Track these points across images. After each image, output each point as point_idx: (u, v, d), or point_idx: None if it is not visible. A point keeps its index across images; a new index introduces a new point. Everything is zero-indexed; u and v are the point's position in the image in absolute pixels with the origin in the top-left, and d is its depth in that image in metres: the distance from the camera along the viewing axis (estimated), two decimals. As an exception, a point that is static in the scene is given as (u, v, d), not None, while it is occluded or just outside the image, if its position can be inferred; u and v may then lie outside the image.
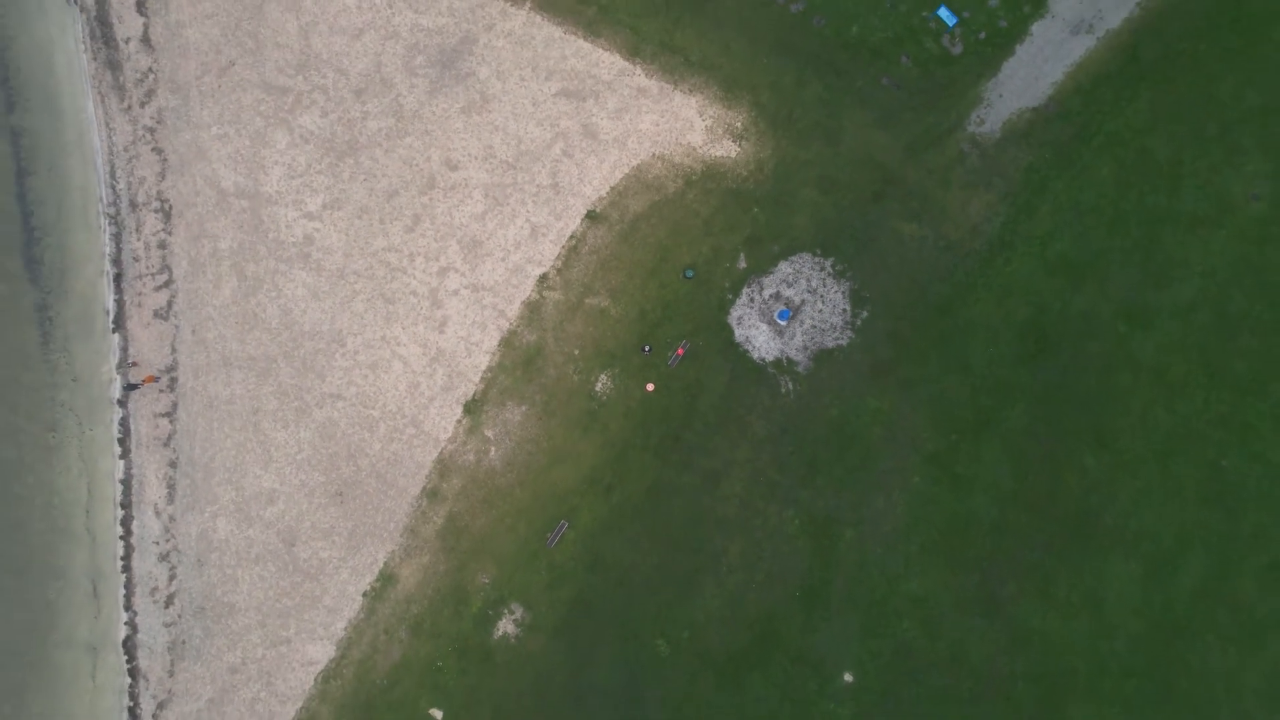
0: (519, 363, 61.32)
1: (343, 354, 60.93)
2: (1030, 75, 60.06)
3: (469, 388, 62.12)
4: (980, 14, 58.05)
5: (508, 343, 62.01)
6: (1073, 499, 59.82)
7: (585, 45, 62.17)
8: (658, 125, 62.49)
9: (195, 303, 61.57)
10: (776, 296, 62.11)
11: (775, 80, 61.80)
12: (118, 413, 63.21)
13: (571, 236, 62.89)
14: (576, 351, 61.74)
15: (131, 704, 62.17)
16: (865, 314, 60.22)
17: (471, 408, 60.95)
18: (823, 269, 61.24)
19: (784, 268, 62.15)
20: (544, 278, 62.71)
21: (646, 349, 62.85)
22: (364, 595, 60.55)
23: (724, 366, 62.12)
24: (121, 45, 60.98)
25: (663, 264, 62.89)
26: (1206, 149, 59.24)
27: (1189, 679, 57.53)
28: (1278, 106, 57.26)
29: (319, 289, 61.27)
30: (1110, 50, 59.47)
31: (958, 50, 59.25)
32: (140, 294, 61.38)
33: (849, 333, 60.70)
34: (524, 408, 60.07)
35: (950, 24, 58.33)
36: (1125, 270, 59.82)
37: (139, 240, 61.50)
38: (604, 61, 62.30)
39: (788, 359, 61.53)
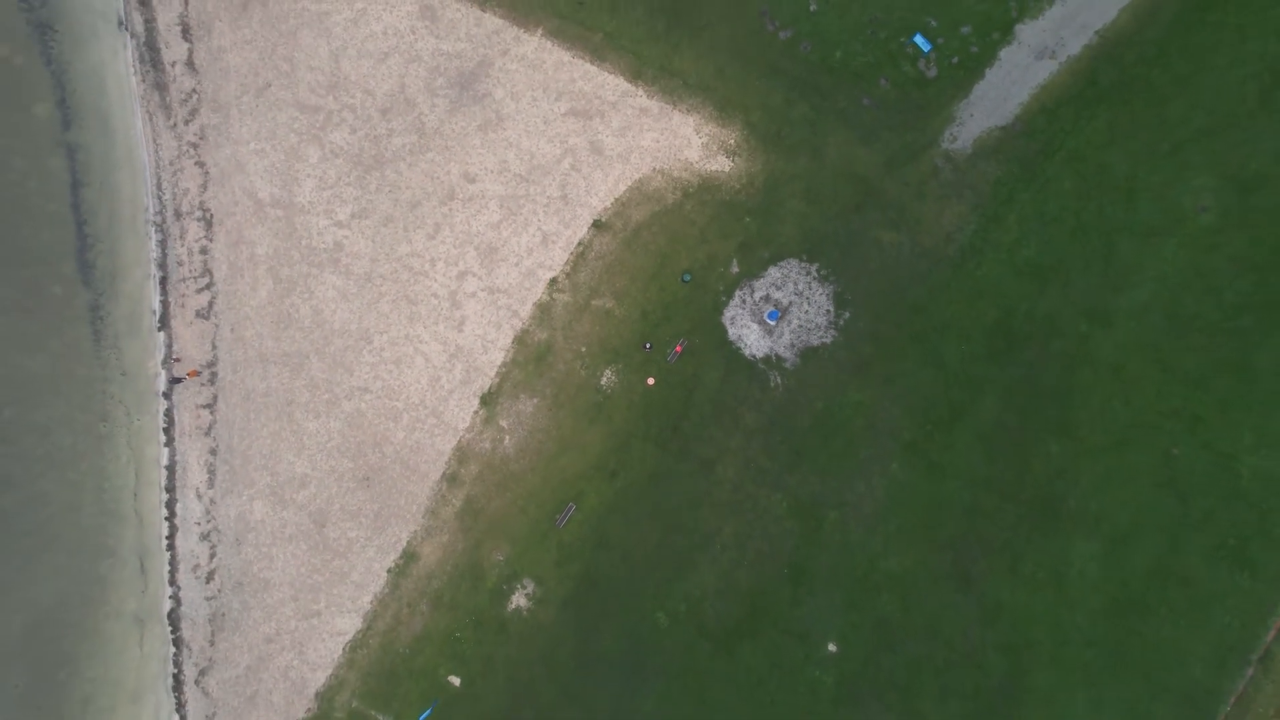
0: (531, 359, 63.09)
1: (369, 350, 62.92)
2: (999, 97, 61.76)
3: (485, 382, 64.00)
4: (953, 40, 60.16)
5: (521, 341, 63.78)
6: (1038, 484, 62.04)
7: (592, 69, 63.53)
8: (658, 142, 63.76)
9: (234, 303, 63.80)
10: (766, 299, 63.34)
11: (765, 101, 63.13)
12: (163, 404, 65.25)
13: (579, 244, 64.21)
14: (584, 349, 63.18)
15: (175, 671, 64.26)
16: (848, 315, 61.95)
17: (487, 400, 62.96)
18: (809, 273, 62.83)
19: (773, 272, 63.58)
20: (554, 281, 64.13)
21: (647, 346, 63.92)
22: (388, 571, 62.96)
23: (718, 363, 63.54)
24: (168, 68, 63.37)
25: (662, 269, 64.25)
26: (1159, 165, 61.32)
27: (1143, 649, 60.57)
28: (1223, 127, 59.40)
29: (347, 291, 63.11)
30: (1071, 75, 61.44)
31: (932, 74, 60.99)
32: (184, 295, 63.84)
33: (833, 332, 62.40)
34: (535, 400, 62.42)
35: (925, 50, 60.22)
36: (1086, 275, 61.79)
37: (183, 246, 63.83)
38: (609, 84, 63.70)
39: (777, 356, 63.04)
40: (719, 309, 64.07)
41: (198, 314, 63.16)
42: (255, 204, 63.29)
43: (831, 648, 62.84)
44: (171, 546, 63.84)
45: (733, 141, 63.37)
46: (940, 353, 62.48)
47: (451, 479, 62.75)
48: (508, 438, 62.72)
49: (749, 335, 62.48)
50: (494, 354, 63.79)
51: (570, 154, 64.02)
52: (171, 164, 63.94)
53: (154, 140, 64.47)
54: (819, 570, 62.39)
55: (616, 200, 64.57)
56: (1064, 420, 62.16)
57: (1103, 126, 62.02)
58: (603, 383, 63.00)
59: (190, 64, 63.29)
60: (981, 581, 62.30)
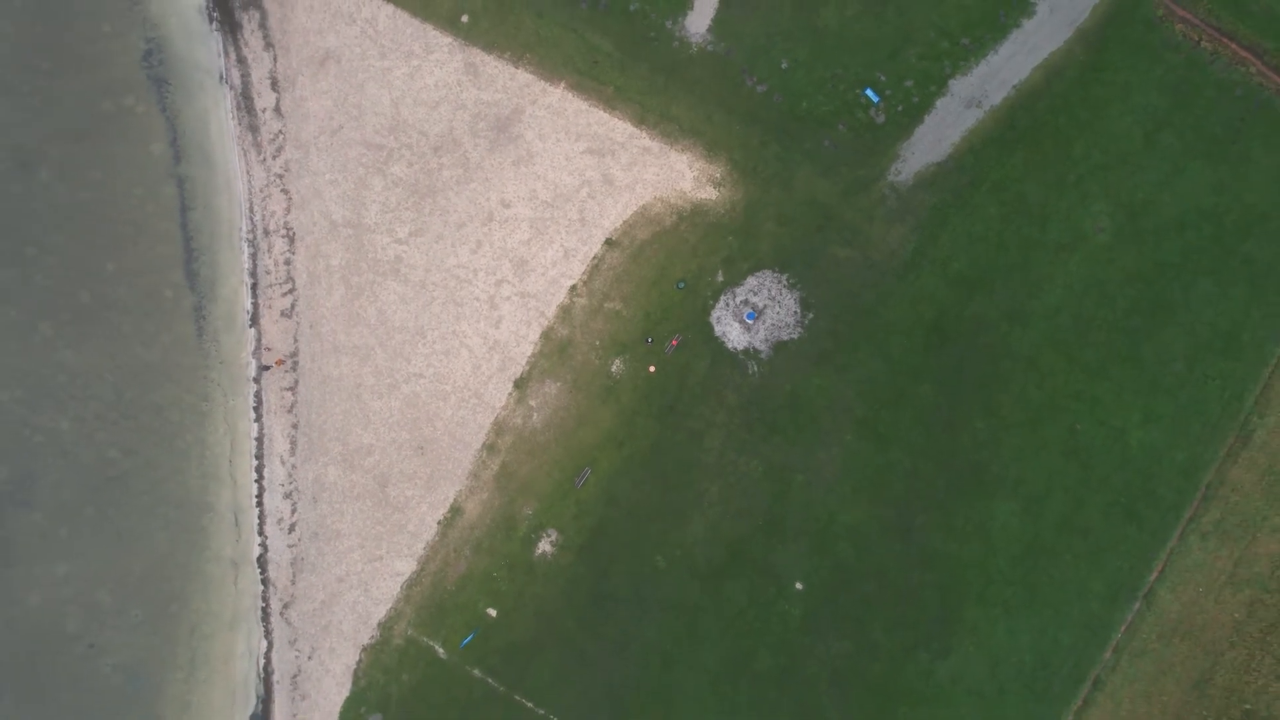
0: (554, 351, 69.85)
1: (423, 344, 70.17)
2: (935, 139, 67.61)
3: (517, 369, 69.90)
4: (898, 93, 67.21)
5: (546, 336, 69.81)
6: (966, 454, 68.12)
7: (605, 115, 68.83)
8: (658, 175, 69.09)
9: (312, 305, 71.01)
10: (745, 302, 68.74)
11: (745, 142, 68.31)
12: (253, 387, 71.97)
13: (594, 257, 69.61)
14: (597, 343, 69.69)
15: (264, 605, 71.59)
16: (811, 315, 68.51)
17: (519, 384, 69.76)
18: (780, 282, 68.72)
19: (751, 281, 68.84)
20: (574, 288, 69.79)
21: (649, 341, 69.41)
22: (438, 523, 70.15)
23: (706, 354, 69.16)
24: (259, 114, 70.72)
25: (661, 278, 69.38)
26: (1065, 194, 67.18)
27: (1051, 587, 67.43)
28: (1115, 163, 66.54)
29: (405, 295, 70.14)
30: (994, 120, 67.23)
31: (881, 120, 67.51)
32: (271, 298, 71.41)
33: (799, 329, 68.64)
34: (558, 384, 69.72)
35: (875, 101, 66.95)
36: (1006, 284, 67.53)
37: (270, 258, 71.18)
38: (618, 128, 68.93)
39: (754, 348, 68.94)
40: (707, 311, 69.39)
41: (282, 313, 71.15)
42: (330, 224, 70.60)
43: (798, 586, 68.66)
44: (260, 504, 71.52)
45: (719, 175, 68.79)
46: (887, 347, 68.44)
47: (490, 448, 70.02)
48: (535, 414, 70.00)
49: (731, 332, 68.96)
50: (525, 346, 69.84)
51: (587, 185, 69.52)
52: (261, 191, 71.15)
53: (247, 172, 71.06)
54: (788, 523, 68.69)
55: (624, 222, 69.57)
56: (988, 402, 67.92)
57: (1019, 163, 67.48)
58: (613, 370, 69.59)
59: (278, 110, 70.61)
60: (920, 533, 68.38)
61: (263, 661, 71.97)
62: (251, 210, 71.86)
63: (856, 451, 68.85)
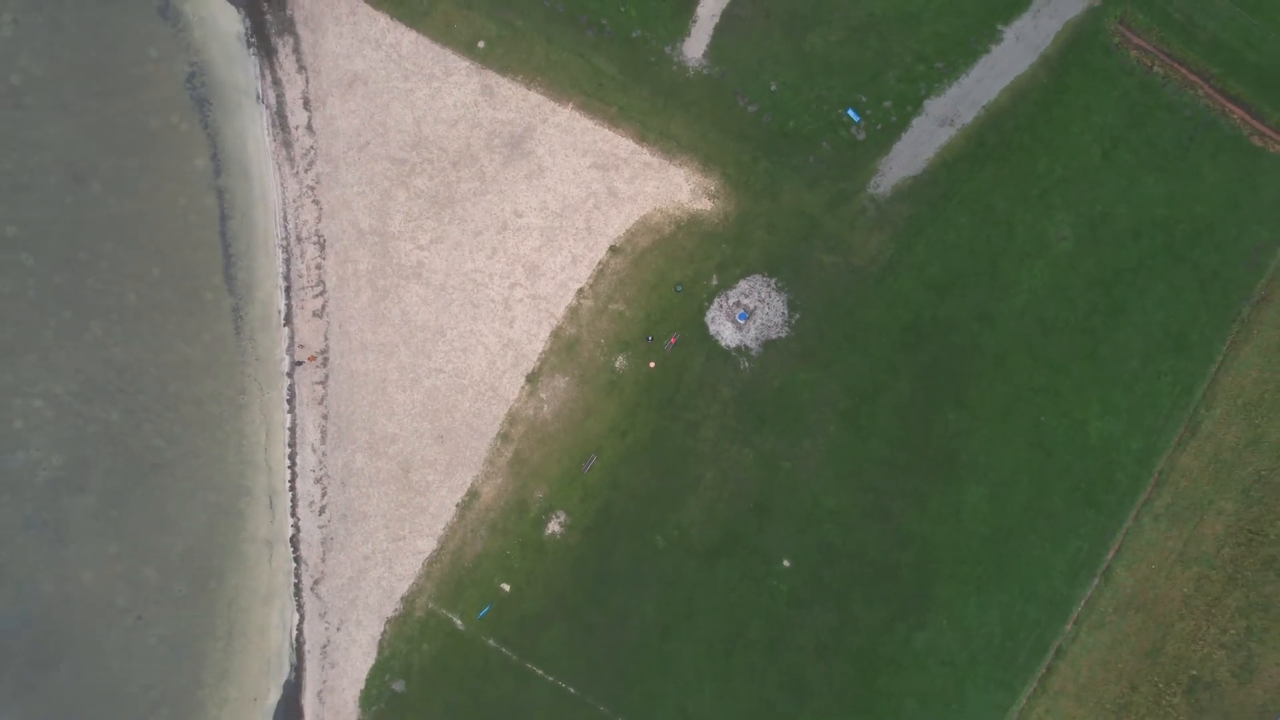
0: (563, 348, 72.91)
1: (443, 342, 73.33)
2: (911, 154, 71.01)
3: (529, 365, 72.84)
4: (877, 113, 70.71)
5: (556, 335, 72.78)
6: (940, 443, 71.52)
7: (609, 133, 72.00)
8: (658, 188, 71.99)
9: (341, 306, 74.07)
10: (737, 304, 71.64)
11: (737, 158, 71.44)
12: (287, 381, 74.91)
13: (599, 263, 72.53)
14: (602, 341, 72.77)
15: (296, 581, 74.79)
16: (798, 316, 71.74)
17: (531, 378, 72.79)
18: (769, 285, 71.72)
19: (743, 284, 71.80)
20: (581, 290, 72.70)
21: (649, 339, 72.20)
22: (457, 506, 73.29)
23: (702, 351, 72.11)
24: (293, 130, 73.77)
25: (661, 281, 72.33)
26: (1030, 205, 70.87)
27: (1018, 565, 70.82)
28: (1076, 177, 70.36)
29: (427, 297, 73.29)
30: (965, 138, 70.85)
31: (861, 137, 70.97)
32: (303, 300, 74.42)
33: (787, 329, 71.72)
34: (566, 378, 72.81)
35: (856, 120, 70.28)
36: (976, 287, 71.30)
37: (302, 263, 74.12)
38: (621, 144, 71.97)
39: (745, 346, 71.96)
40: (703, 312, 72.44)
41: (314, 314, 74.28)
42: (357, 232, 73.71)
43: (786, 564, 71.40)
44: (293, 488, 74.65)
45: (713, 187, 71.92)
46: (866, 345, 71.50)
47: (504, 437, 73.10)
48: (545, 406, 73.09)
49: (724, 331, 72.14)
50: (536, 344, 72.90)
51: (593, 196, 72.56)
52: (294, 202, 74.14)
53: (282, 184, 73.90)
54: (776, 506, 71.73)
55: (627, 231, 72.48)
56: (959, 395, 71.34)
57: (988, 177, 70.94)
58: (616, 366, 72.64)
59: (309, 128, 73.79)
60: (898, 516, 71.50)
61: (295, 633, 75.73)
62: (285, 219, 75.11)
63: (839, 441, 72.34)
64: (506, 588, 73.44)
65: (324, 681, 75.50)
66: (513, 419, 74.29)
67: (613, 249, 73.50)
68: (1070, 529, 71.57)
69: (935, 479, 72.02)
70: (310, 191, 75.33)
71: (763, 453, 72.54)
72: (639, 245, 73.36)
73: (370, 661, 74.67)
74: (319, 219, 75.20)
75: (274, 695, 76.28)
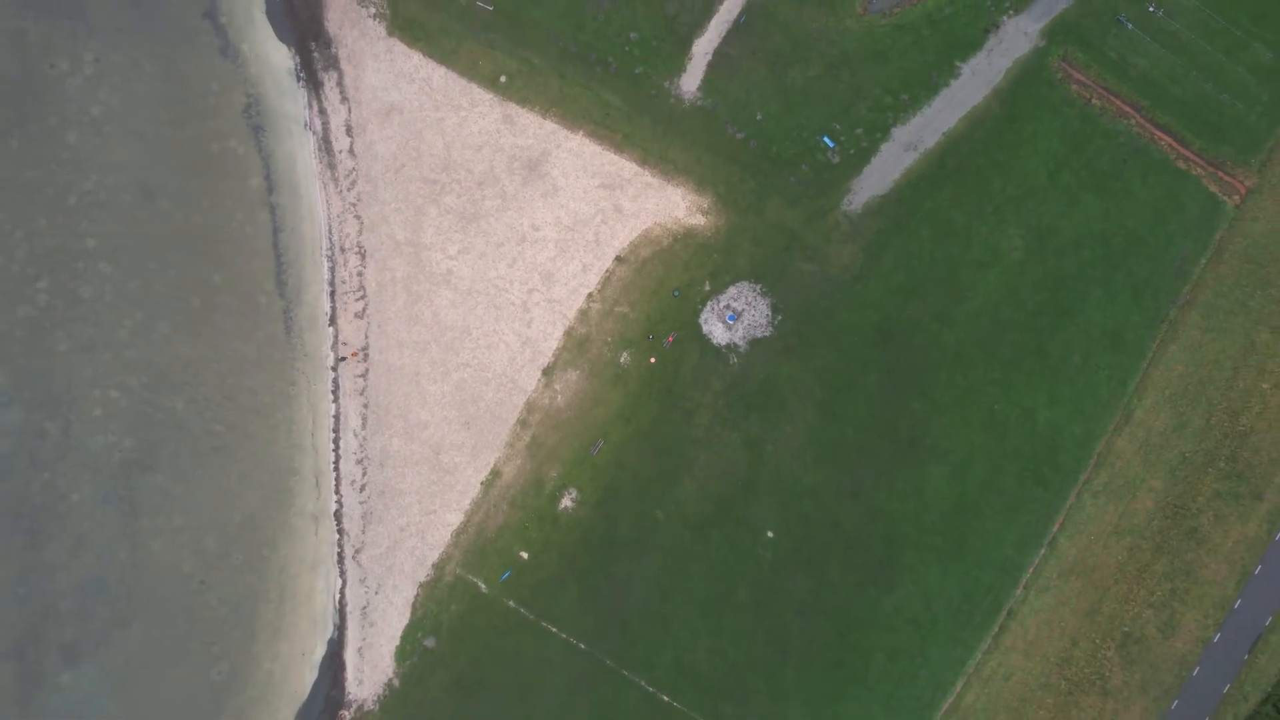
0: (575, 345, 79.31)
1: (469, 340, 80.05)
2: (880, 176, 77.99)
3: (545, 360, 79.30)
4: (850, 139, 77.89)
5: (569, 334, 79.27)
6: (905, 429, 77.59)
7: (615, 157, 79.08)
8: (658, 205, 78.71)
9: (380, 308, 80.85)
10: (727, 307, 78.06)
11: (727, 179, 78.29)
12: (331, 375, 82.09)
13: (606, 271, 79.10)
14: (609, 339, 79.01)
15: (339, 551, 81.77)
16: (780, 318, 78.22)
17: (547, 372, 79.30)
18: (755, 291, 78.32)
19: (732, 290, 78.19)
20: (590, 295, 79.29)
21: (651, 338, 78.22)
22: (481, 484, 79.80)
23: (696, 348, 78.47)
24: (337, 154, 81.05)
25: (661, 287, 78.60)
26: (985, 220, 77.56)
27: (975, 538, 76.94)
28: (1026, 195, 77.28)
29: (455, 301, 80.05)
30: (927, 161, 77.87)
31: (836, 161, 78.11)
32: (346, 303, 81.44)
33: (771, 328, 78.05)
34: (577, 372, 79.22)
35: (831, 146, 77.61)
36: (937, 292, 77.63)
37: (345, 271, 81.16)
38: (626, 167, 78.88)
39: (734, 344, 78.26)
40: (697, 313, 78.76)
41: (355, 315, 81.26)
42: (394, 243, 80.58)
43: (770, 534, 77.52)
44: (337, 469, 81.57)
45: (706, 205, 78.56)
46: (841, 343, 77.87)
47: (523, 423, 79.46)
48: (559, 396, 79.28)
49: (716, 331, 78.62)
50: (551, 342, 79.46)
51: (601, 213, 79.33)
52: (338, 217, 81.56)
53: (327, 201, 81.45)
54: (762, 484, 77.89)
55: (631, 243, 79.12)
56: (922, 387, 77.78)
57: (948, 195, 77.83)
58: (621, 361, 78.91)
59: (351, 151, 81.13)
60: (868, 493, 77.75)
61: (338, 596, 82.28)
62: (330, 232, 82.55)
63: (817, 427, 78.94)
64: (525, 555, 79.80)
65: (364, 639, 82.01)
66: (530, 407, 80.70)
67: (618, 258, 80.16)
68: (1020, 504, 78.10)
69: (901, 461, 78.27)
70: (352, 208, 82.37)
71: (750, 437, 78.72)
72: (641, 255, 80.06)
73: (405, 621, 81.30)
74: (360, 232, 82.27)
75: (320, 650, 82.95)
